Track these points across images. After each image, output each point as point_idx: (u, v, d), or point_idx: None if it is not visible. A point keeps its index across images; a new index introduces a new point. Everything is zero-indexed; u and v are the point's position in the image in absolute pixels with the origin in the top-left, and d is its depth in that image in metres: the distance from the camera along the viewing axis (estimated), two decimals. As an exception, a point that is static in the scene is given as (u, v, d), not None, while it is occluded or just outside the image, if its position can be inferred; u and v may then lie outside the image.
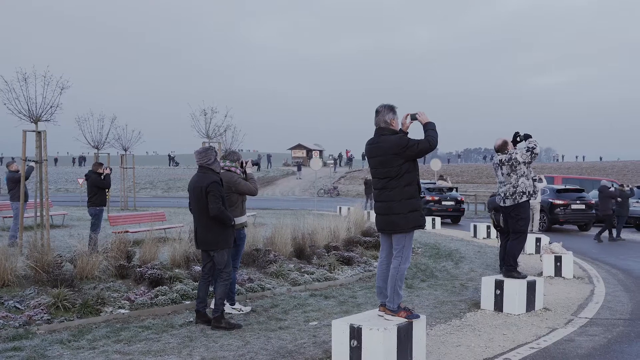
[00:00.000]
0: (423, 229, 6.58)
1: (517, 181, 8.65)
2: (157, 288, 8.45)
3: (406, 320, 5.72)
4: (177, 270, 9.33)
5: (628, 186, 20.61)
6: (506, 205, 8.79)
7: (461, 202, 25.95)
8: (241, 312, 7.94)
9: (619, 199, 19.07)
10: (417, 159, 6.00)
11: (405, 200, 5.82)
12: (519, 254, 8.87)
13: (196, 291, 7.87)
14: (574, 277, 11.35)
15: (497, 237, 12.60)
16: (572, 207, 21.59)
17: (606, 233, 19.06)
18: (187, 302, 8.24)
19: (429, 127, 5.92)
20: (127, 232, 13.20)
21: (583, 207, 21.77)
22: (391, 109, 5.98)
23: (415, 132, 6.02)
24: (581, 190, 22.73)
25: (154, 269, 8.94)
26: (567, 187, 23.20)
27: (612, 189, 19.73)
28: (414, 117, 5.99)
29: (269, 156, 75.69)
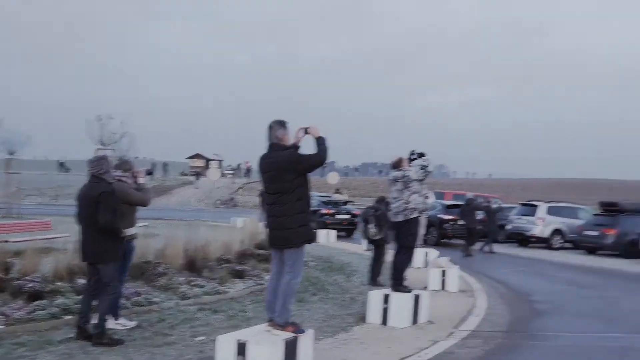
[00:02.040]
0: (314, 242, 6.64)
1: (409, 197, 8.90)
2: (35, 302, 8.01)
3: (293, 334, 5.74)
4: (59, 284, 8.86)
5: (496, 203, 21.94)
6: (398, 220, 9.04)
7: (356, 215, 26.38)
8: (125, 327, 7.66)
9: (487, 212, 20.26)
10: (309, 173, 6.10)
11: (296, 214, 5.89)
12: (407, 268, 9.13)
13: (79, 306, 7.54)
14: (459, 290, 11.80)
15: (368, 248, 12.91)
16: (459, 223, 22.50)
17: (487, 246, 20.11)
18: (69, 317, 7.86)
19: (320, 142, 6.03)
20: (7, 241, 12.45)
21: None
22: (282, 124, 6.06)
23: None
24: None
25: (33, 281, 8.47)
26: (457, 203, 24.19)
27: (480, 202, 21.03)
28: (306, 131, 6.10)
29: (165, 165, 74.00)
